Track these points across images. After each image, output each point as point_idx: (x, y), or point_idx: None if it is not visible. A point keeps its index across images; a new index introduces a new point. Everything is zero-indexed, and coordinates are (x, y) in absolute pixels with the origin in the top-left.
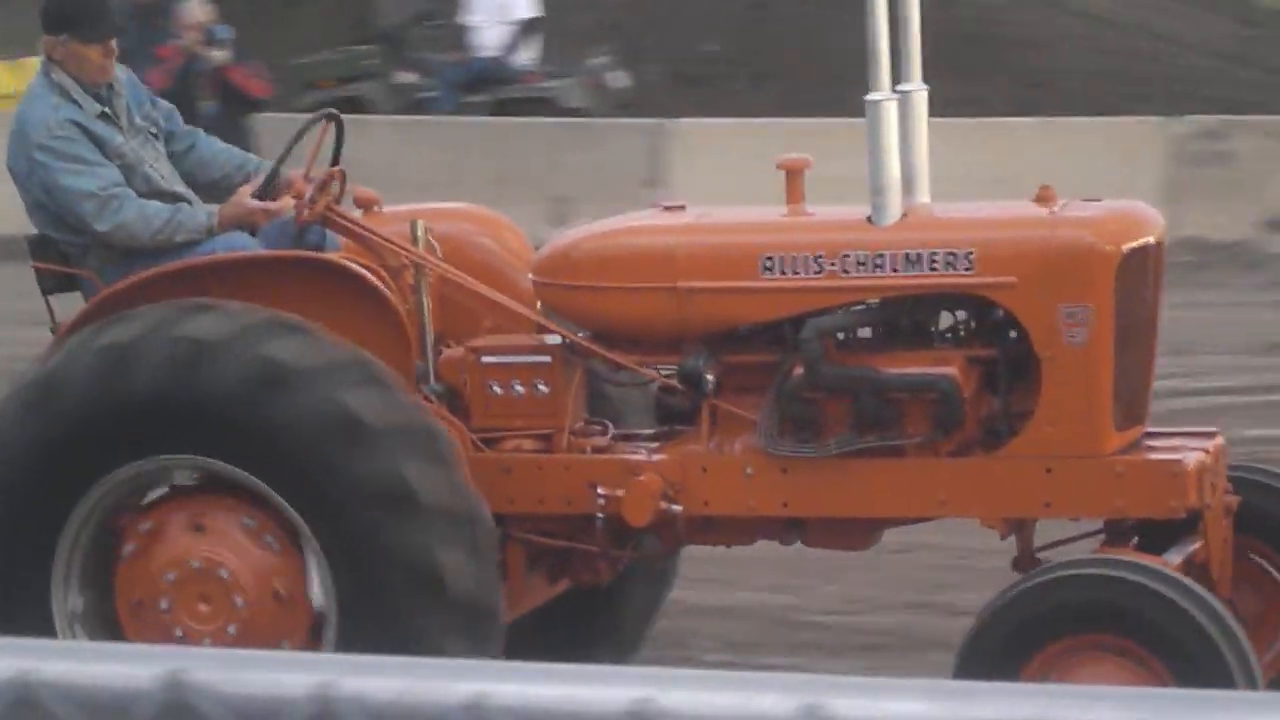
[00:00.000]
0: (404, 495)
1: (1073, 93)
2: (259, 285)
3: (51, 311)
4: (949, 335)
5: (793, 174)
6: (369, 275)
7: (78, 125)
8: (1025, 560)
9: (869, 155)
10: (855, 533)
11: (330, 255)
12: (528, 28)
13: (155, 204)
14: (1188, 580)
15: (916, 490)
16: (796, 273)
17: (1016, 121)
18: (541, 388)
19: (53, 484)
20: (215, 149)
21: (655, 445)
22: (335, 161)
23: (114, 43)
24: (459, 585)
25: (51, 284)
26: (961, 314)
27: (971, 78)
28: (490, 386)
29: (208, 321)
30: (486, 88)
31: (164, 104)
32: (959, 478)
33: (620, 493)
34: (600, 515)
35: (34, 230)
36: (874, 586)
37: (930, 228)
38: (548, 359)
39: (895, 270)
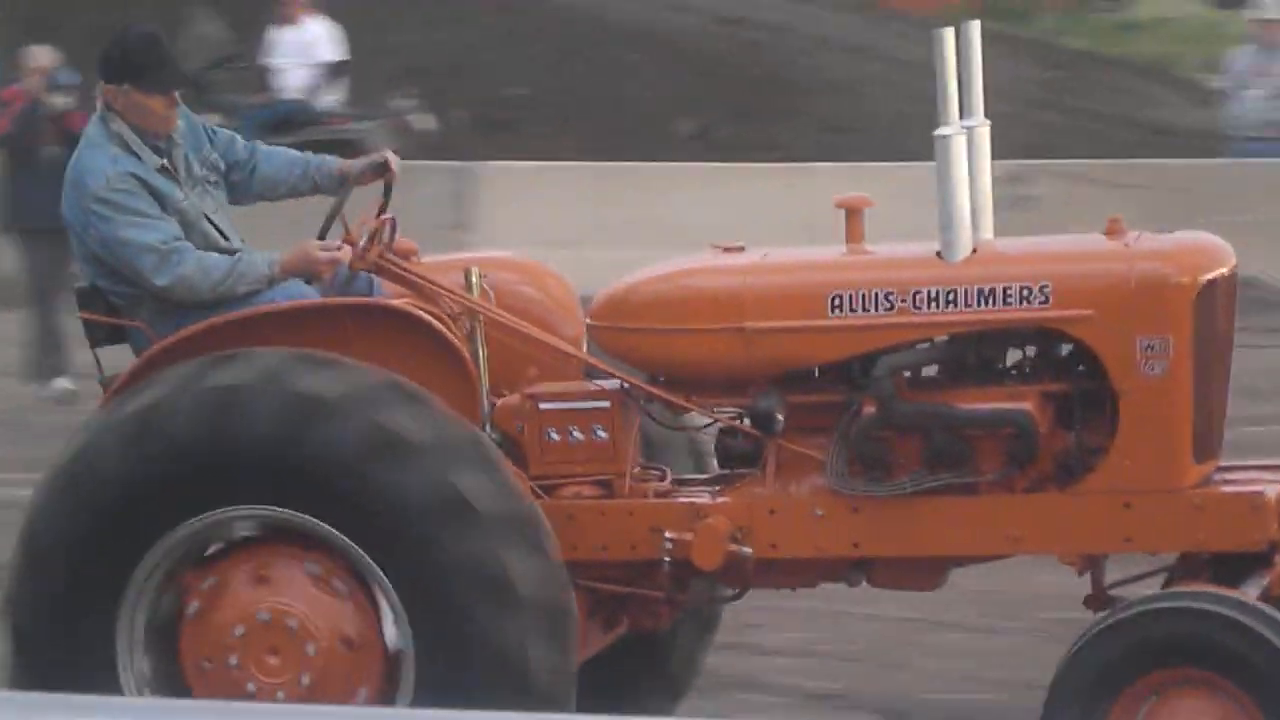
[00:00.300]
0: (502, 583)
1: (877, 137)
2: (323, 333)
3: (99, 363)
4: (1021, 370)
5: (853, 213)
6: (436, 322)
7: (137, 179)
8: (1099, 597)
9: (939, 189)
10: (924, 572)
11: (396, 302)
12: (333, 70)
13: (214, 256)
14: (1272, 611)
15: (990, 528)
16: (866, 310)
17: (819, 166)
18: (600, 433)
19: (127, 531)
20: (276, 164)
21: (718, 488)
22: (384, 209)
23: (178, 94)
24: (518, 584)
25: (101, 335)
26: (1033, 349)
27: (775, 122)
28: (548, 433)
29: (326, 377)
30: (291, 130)
31: (224, 134)
32: (1034, 514)
33: (688, 536)
34: (667, 559)
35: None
36: None
37: (1003, 262)
38: (606, 404)
39: (969, 306)
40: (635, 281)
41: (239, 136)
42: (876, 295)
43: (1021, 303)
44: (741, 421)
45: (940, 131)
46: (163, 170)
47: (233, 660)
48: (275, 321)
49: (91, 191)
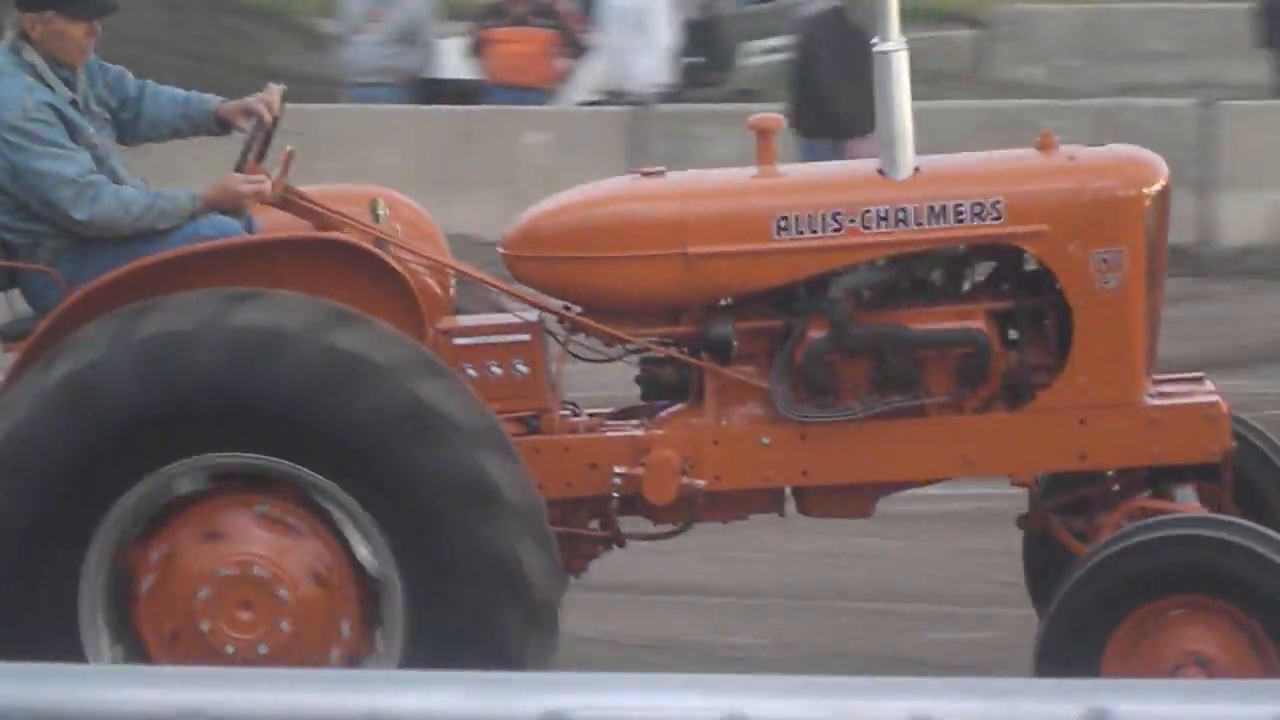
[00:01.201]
0: (485, 490)
1: None
2: (255, 270)
3: None
4: (970, 288)
5: (765, 134)
6: (386, 255)
7: (54, 109)
8: (1037, 517)
9: (879, 107)
10: (860, 498)
11: (336, 234)
12: None
13: (132, 190)
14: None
15: (943, 450)
16: (814, 232)
17: None
18: (520, 368)
19: (85, 486)
20: (160, 103)
21: (650, 420)
22: (264, 146)
23: (97, 24)
24: (530, 577)
25: (18, 284)
26: (982, 266)
27: None
28: (464, 369)
29: (264, 311)
30: None
31: (115, 70)
32: (987, 435)
33: (639, 470)
34: (616, 495)
35: None
36: None
37: (952, 180)
38: (526, 337)
39: (919, 224)
40: (555, 209)
41: (129, 74)
42: (824, 216)
43: (974, 220)
44: (679, 350)
45: (881, 47)
46: (72, 104)
47: (204, 626)
48: (206, 260)
49: (5, 120)
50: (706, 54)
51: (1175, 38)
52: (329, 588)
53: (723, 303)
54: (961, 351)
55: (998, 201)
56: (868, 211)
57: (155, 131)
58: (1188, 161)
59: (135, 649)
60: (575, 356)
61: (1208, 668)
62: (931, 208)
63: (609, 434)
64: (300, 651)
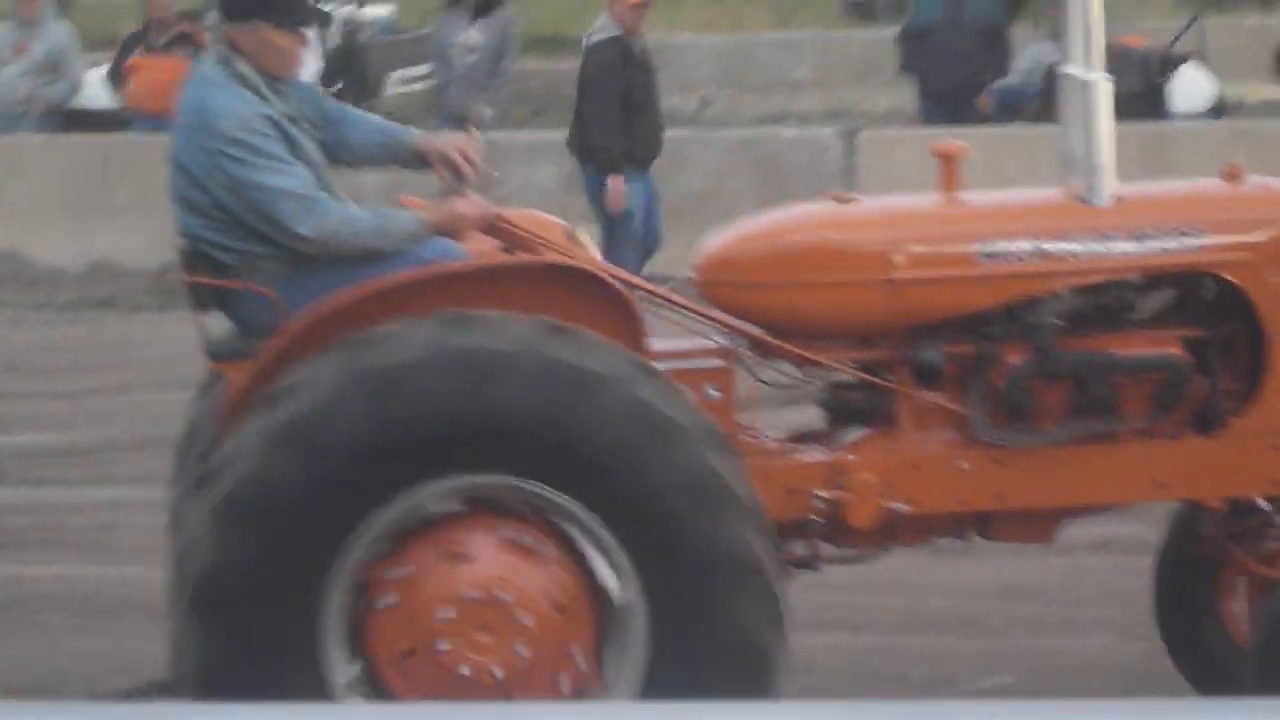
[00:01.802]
0: (717, 488)
1: None
2: (489, 293)
3: (206, 331)
4: (1166, 315)
5: (949, 160)
6: (612, 280)
7: (272, 122)
8: (1212, 543)
9: (1084, 135)
10: (1044, 523)
11: (573, 261)
12: None
13: (356, 208)
14: None
15: (1136, 474)
16: (1019, 259)
17: None
18: (713, 392)
19: (320, 528)
20: (361, 130)
21: (844, 445)
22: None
23: (309, 32)
24: (769, 571)
25: (207, 301)
26: (1178, 293)
27: None
28: None
29: (485, 332)
30: None
31: (309, 87)
32: (1180, 459)
33: (841, 494)
34: (815, 519)
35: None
36: None
37: (1153, 207)
38: (720, 362)
39: (1122, 251)
40: (750, 235)
41: (327, 94)
42: (1028, 243)
43: (1176, 247)
44: (877, 375)
45: (1085, 76)
46: (288, 118)
47: (443, 645)
48: (438, 283)
49: (223, 133)
50: (349, 82)
51: (816, 66)
52: (568, 615)
53: (921, 328)
54: (1158, 377)
55: (1199, 229)
56: (1071, 238)
57: (352, 156)
58: (831, 190)
59: (368, 666)
60: (761, 382)
61: None
62: (1134, 235)
63: (806, 458)
64: (532, 677)
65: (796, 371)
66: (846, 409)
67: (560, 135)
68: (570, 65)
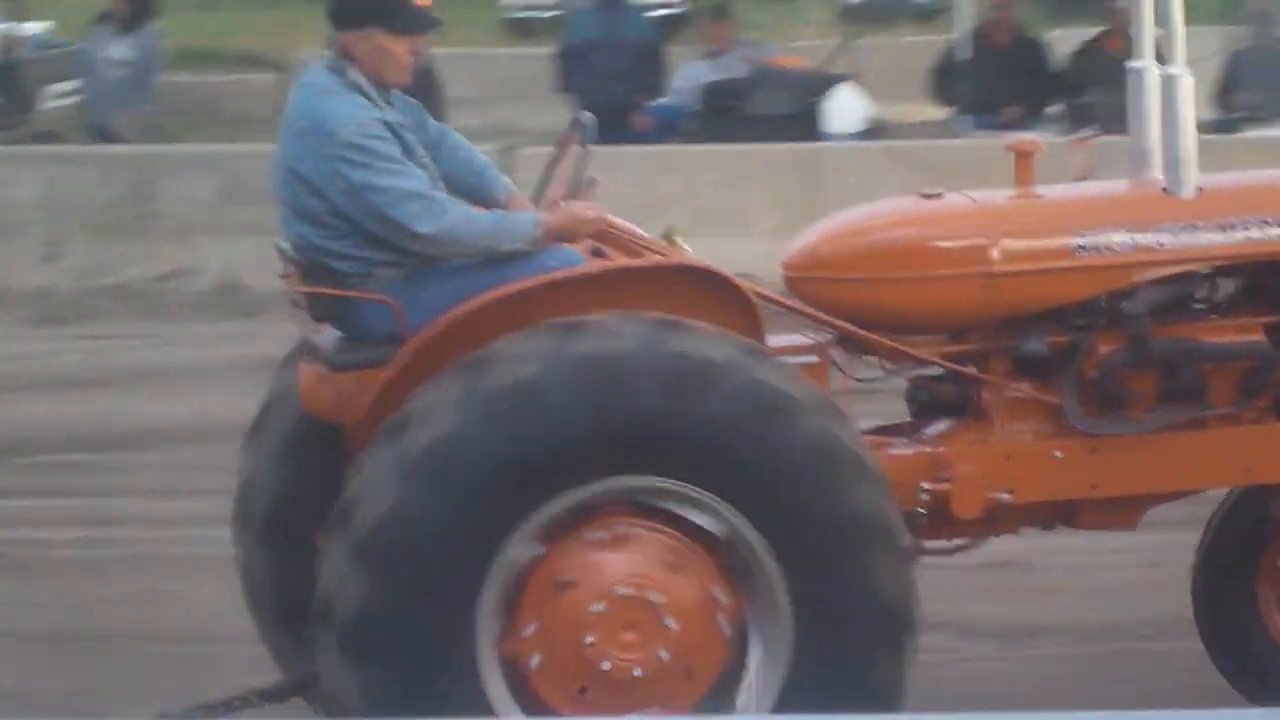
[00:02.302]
0: (844, 456)
1: None
2: (618, 296)
3: (315, 343)
4: (1250, 302)
5: (1024, 156)
6: (736, 280)
7: (388, 126)
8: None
9: (1165, 128)
10: (1130, 509)
11: (701, 262)
12: None
13: (475, 209)
14: None
15: (1224, 460)
16: (1110, 250)
17: None
18: None
19: (461, 557)
20: (456, 160)
21: (936, 437)
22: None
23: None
24: (899, 532)
25: (323, 312)
26: (1258, 281)
27: None
28: None
29: (598, 337)
30: None
31: (413, 102)
32: (1266, 445)
33: (946, 486)
34: (919, 511)
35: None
36: None
37: (1235, 197)
38: (814, 358)
39: (1209, 240)
40: (841, 232)
41: (428, 113)
42: (1120, 234)
43: (1260, 235)
44: (966, 367)
45: (1169, 70)
46: (397, 124)
47: (588, 639)
48: (565, 287)
49: (342, 137)
50: (5, 97)
51: (476, 83)
52: (685, 570)
53: (1013, 320)
54: (1244, 364)
55: None
56: (1161, 229)
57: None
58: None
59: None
60: (855, 379)
61: None
62: (1220, 224)
63: (907, 451)
64: (695, 639)
65: (878, 367)
66: (931, 402)
67: (216, 149)
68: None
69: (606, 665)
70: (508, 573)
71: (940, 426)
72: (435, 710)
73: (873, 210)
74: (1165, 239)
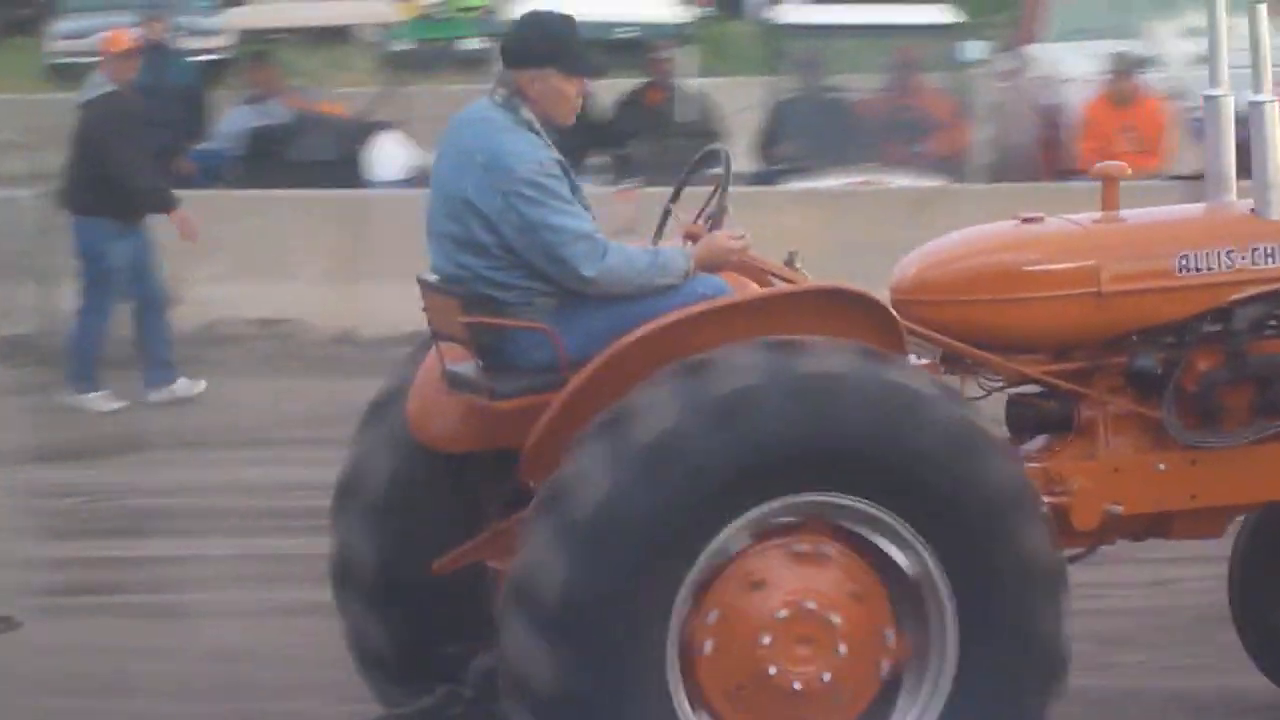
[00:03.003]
0: (1028, 496)
1: None
2: (785, 320)
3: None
4: None
5: (1111, 180)
6: (884, 302)
7: (561, 165)
8: None
9: (1254, 153)
10: (1216, 519)
11: (843, 285)
12: None
13: (632, 247)
14: None
15: None
16: (1210, 269)
17: None
18: None
19: (669, 551)
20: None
21: (1044, 452)
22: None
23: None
24: (1064, 574)
25: (484, 340)
26: None
27: None
28: None
29: (815, 356)
30: None
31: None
32: None
33: (1063, 499)
34: None
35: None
36: None
37: None
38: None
39: None
40: (953, 255)
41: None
42: (1219, 254)
43: None
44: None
45: (1256, 98)
46: (567, 165)
47: (771, 670)
48: (738, 313)
49: (521, 175)
50: None
51: (20, 128)
52: (867, 602)
53: (1117, 339)
54: None
55: None
56: (1256, 249)
57: None
58: (28, 252)
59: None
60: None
61: None
62: None
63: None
64: (856, 671)
65: (976, 386)
66: (1032, 419)
67: None
68: None
69: (773, 670)
70: (708, 565)
71: (1045, 442)
72: (621, 693)
73: (977, 234)
74: (1260, 259)
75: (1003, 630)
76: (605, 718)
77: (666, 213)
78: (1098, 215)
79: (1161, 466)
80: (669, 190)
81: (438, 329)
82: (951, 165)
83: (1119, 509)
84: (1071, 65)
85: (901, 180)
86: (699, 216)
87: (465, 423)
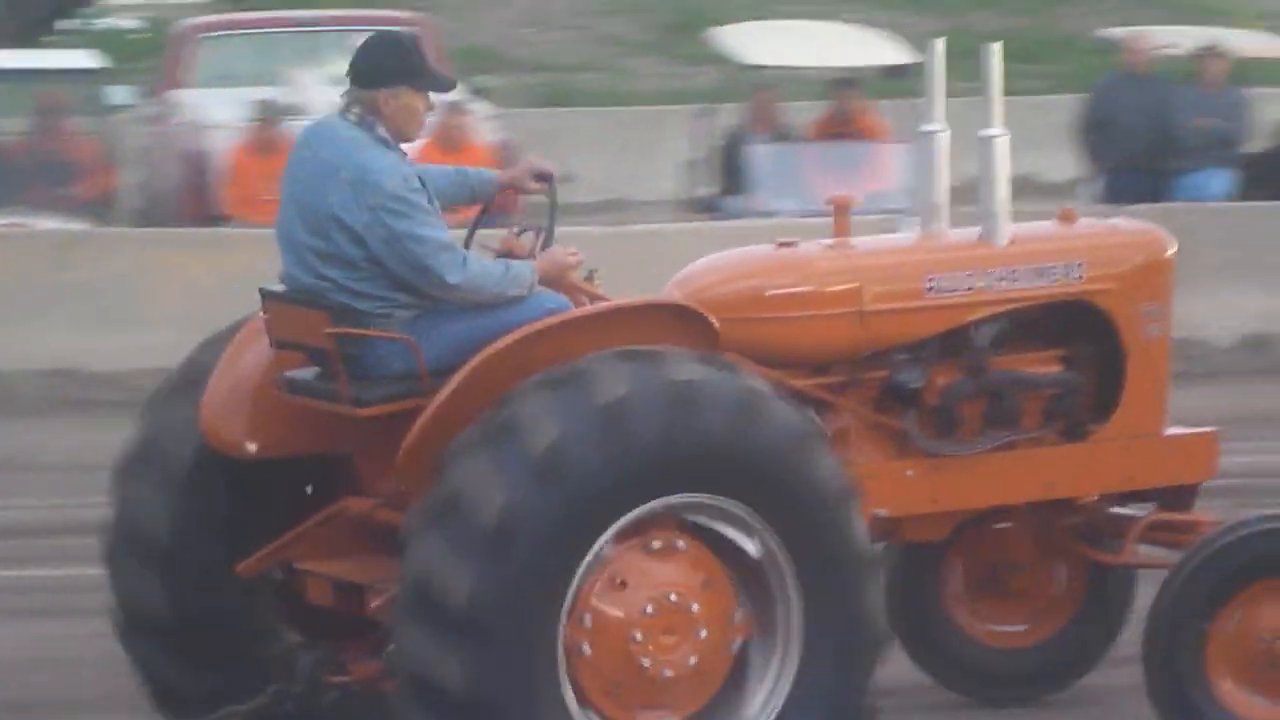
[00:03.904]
0: (852, 489)
1: None
2: (626, 332)
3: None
4: (1055, 337)
5: (842, 209)
6: (706, 314)
7: (420, 179)
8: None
9: (981, 185)
10: (945, 522)
11: (679, 300)
12: None
13: (484, 259)
14: None
15: (1033, 477)
16: (953, 290)
17: None
18: None
19: (561, 555)
20: (438, 178)
21: None
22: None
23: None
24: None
25: (346, 350)
26: (1058, 319)
27: None
28: None
29: (675, 365)
30: None
31: None
32: (1065, 463)
33: None
34: None
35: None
36: None
37: (1042, 243)
38: None
39: (1028, 283)
40: (726, 276)
41: None
42: (961, 276)
43: (1065, 278)
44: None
45: (986, 133)
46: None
47: (645, 663)
48: (591, 323)
49: (389, 189)
50: None
51: None
52: (715, 588)
53: (874, 355)
54: (1050, 393)
55: (1080, 262)
56: (991, 273)
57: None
58: None
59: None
60: None
61: None
62: (1034, 268)
63: None
64: (714, 652)
65: None
66: None
67: None
68: None
69: (646, 663)
70: (591, 567)
71: None
72: (523, 693)
73: (744, 256)
74: (993, 281)
75: (837, 607)
76: (509, 717)
77: (552, 229)
78: (842, 240)
79: (909, 473)
80: None
81: (281, 338)
82: (99, 208)
83: (884, 512)
84: (216, 112)
85: (48, 223)
86: (519, 233)
87: (281, 428)
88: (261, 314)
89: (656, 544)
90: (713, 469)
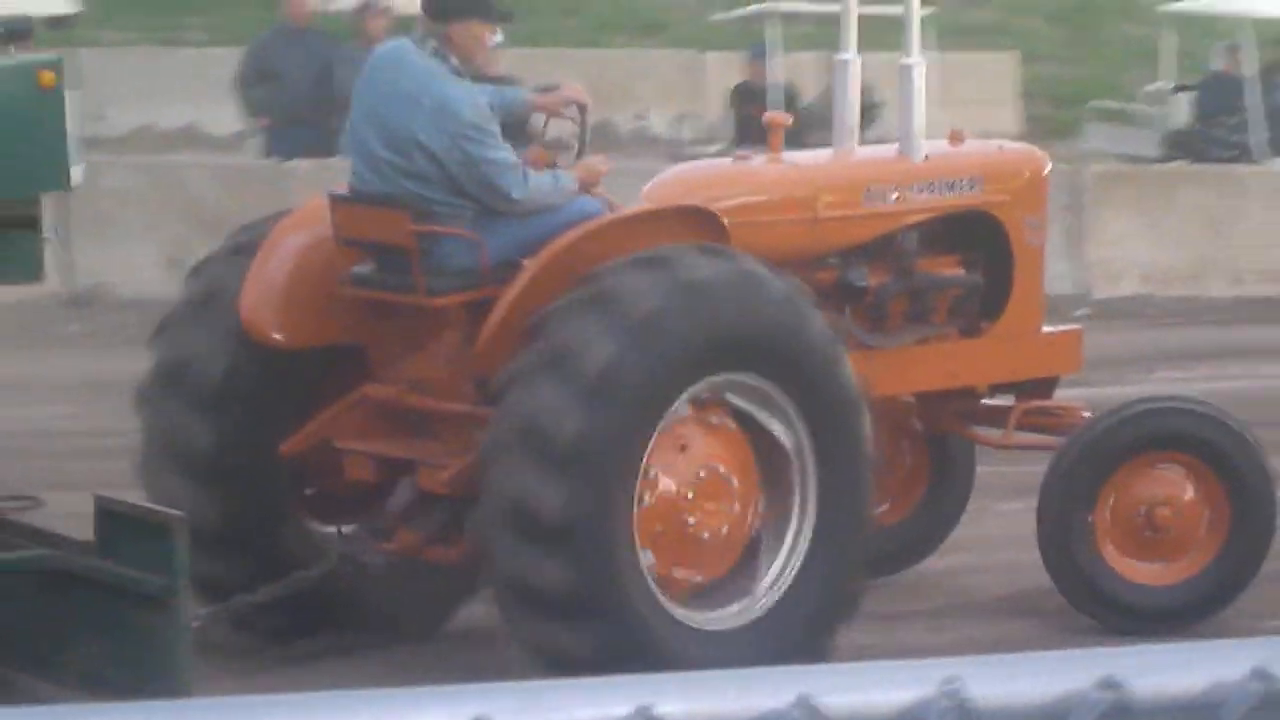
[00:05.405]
0: (840, 348)
1: None
2: (645, 234)
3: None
4: (959, 243)
5: (777, 128)
6: (722, 218)
7: (490, 106)
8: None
9: (901, 108)
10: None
11: (686, 204)
12: None
13: (535, 174)
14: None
15: (942, 367)
16: (885, 200)
17: None
18: None
19: (654, 406)
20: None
21: None
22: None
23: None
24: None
25: (422, 246)
26: (963, 227)
27: None
28: None
29: (733, 260)
30: None
31: None
32: (968, 355)
33: None
34: None
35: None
36: None
37: (952, 161)
38: None
39: (940, 194)
40: (683, 190)
41: None
42: (889, 188)
43: (970, 191)
44: None
45: (906, 61)
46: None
47: (689, 495)
48: (633, 223)
49: (466, 119)
50: None
51: None
52: (748, 470)
53: (821, 256)
54: (957, 293)
55: (980, 177)
56: (913, 185)
57: None
58: None
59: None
60: None
61: (1172, 506)
62: (946, 181)
63: None
64: (740, 528)
65: None
66: None
67: None
68: None
69: (692, 521)
70: (668, 425)
71: None
72: (609, 524)
73: (708, 168)
74: (914, 193)
75: (844, 494)
76: (597, 544)
77: (585, 141)
78: (797, 155)
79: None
80: None
81: (351, 237)
82: None
83: None
84: None
85: None
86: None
87: (313, 320)
88: (330, 214)
89: (714, 419)
90: (770, 353)
